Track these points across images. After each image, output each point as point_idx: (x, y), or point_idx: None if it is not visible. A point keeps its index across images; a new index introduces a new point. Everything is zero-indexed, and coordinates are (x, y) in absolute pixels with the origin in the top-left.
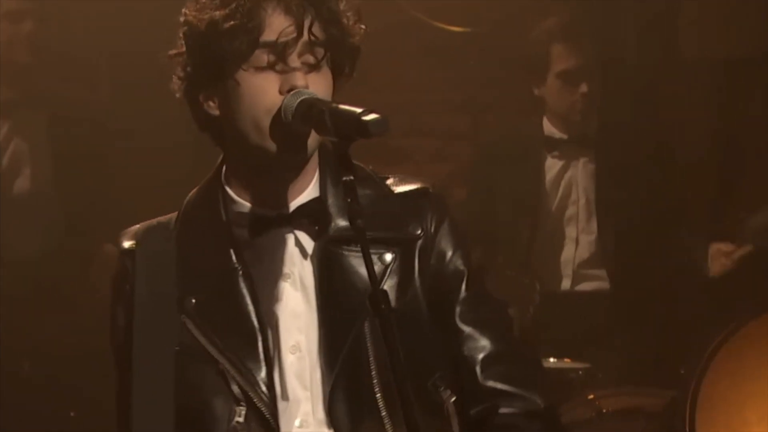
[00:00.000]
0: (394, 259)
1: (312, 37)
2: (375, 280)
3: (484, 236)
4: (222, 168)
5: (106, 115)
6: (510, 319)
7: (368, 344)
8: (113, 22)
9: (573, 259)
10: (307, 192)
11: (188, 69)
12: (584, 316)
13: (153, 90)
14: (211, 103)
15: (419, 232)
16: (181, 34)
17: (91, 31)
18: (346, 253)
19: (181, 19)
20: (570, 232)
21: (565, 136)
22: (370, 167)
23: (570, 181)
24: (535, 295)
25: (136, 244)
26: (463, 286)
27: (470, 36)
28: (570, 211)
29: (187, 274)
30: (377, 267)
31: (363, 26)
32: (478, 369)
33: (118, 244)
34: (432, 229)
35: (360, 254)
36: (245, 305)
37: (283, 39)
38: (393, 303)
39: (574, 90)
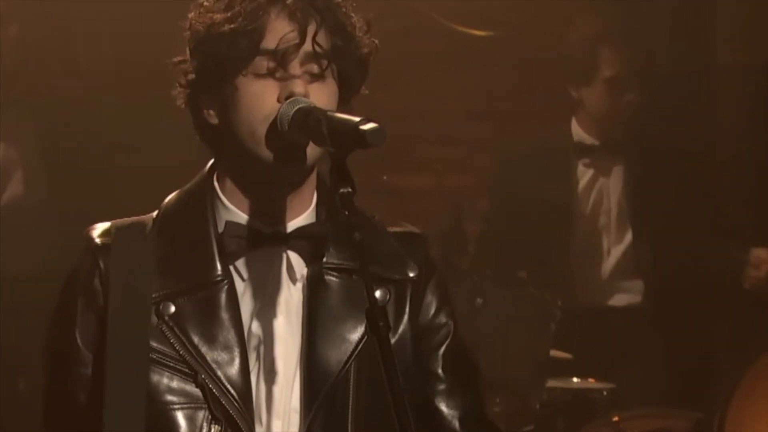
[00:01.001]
0: (386, 298)
1: (315, 46)
2: (373, 297)
3: (508, 249)
4: (213, 174)
5: (104, 123)
6: (482, 379)
7: (351, 386)
8: (113, 27)
9: (603, 272)
10: (306, 215)
11: (190, 76)
12: (612, 333)
13: (155, 99)
14: (211, 112)
15: (414, 275)
16: (187, 39)
17: (91, 36)
18: (341, 282)
19: (186, 24)
20: (601, 242)
21: (596, 143)
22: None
23: (601, 189)
24: (556, 311)
25: (112, 240)
26: (448, 340)
27: (493, 40)
28: (601, 221)
29: (167, 278)
30: None
31: (374, 40)
32: (457, 425)
33: (89, 238)
34: (425, 276)
35: (356, 286)
36: (227, 320)
37: (283, 45)
38: None
39: (619, 97)
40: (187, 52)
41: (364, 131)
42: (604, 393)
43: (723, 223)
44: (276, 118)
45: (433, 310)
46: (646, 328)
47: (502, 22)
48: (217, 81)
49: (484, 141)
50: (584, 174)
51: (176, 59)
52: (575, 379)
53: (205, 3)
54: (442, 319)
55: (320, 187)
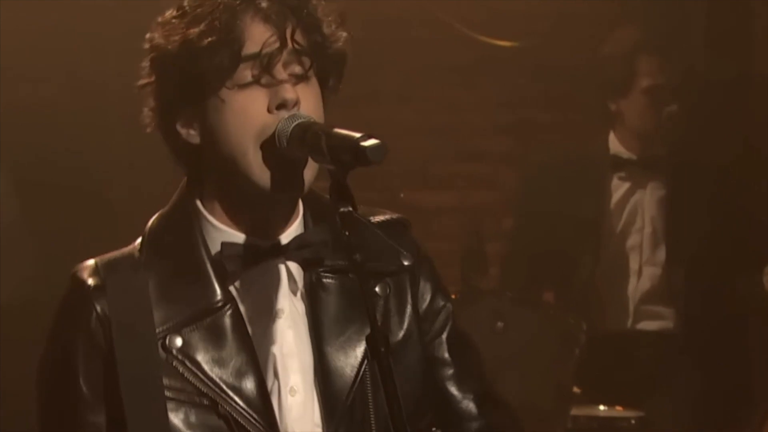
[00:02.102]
0: (387, 291)
1: (296, 45)
2: (374, 320)
3: (531, 269)
4: (190, 191)
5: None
6: (477, 347)
7: (369, 390)
8: (82, 41)
9: (634, 294)
10: (297, 223)
11: (161, 98)
12: (641, 359)
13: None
14: (191, 131)
15: (409, 263)
16: (148, 62)
17: (62, 50)
18: (339, 283)
19: (146, 45)
20: (632, 262)
21: (633, 157)
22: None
23: (635, 206)
24: (581, 335)
25: (103, 279)
26: (449, 323)
27: (518, 50)
28: (633, 239)
29: (167, 310)
30: (374, 303)
31: (346, 32)
32: (473, 407)
33: (80, 281)
34: (418, 262)
35: (354, 285)
36: (237, 344)
37: (267, 50)
38: (393, 337)
39: (660, 109)
40: (151, 73)
41: (365, 147)
42: (633, 422)
43: (761, 244)
44: (274, 134)
45: (429, 295)
46: (677, 354)
47: (527, 31)
48: (197, 97)
49: (509, 156)
50: (618, 188)
51: (141, 82)
52: (602, 407)
53: (172, 21)
54: (440, 302)
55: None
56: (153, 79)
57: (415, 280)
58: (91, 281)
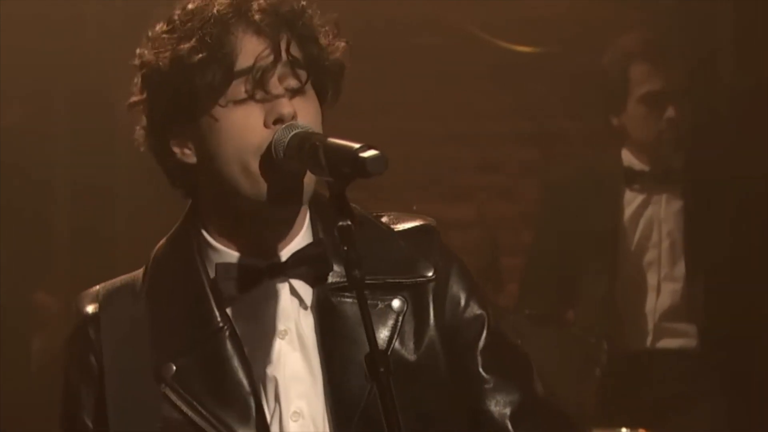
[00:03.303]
0: (405, 306)
1: (291, 58)
2: (373, 339)
3: (549, 286)
4: (194, 214)
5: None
6: (532, 365)
7: (381, 413)
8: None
9: (653, 311)
10: (301, 236)
11: (153, 116)
12: (664, 379)
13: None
14: (186, 150)
15: (431, 273)
16: (138, 80)
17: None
18: (350, 301)
19: (137, 62)
20: (650, 278)
21: (646, 168)
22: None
23: (651, 219)
24: (602, 355)
25: (100, 308)
26: (484, 333)
27: (540, 56)
28: (650, 254)
29: (164, 337)
30: (388, 318)
31: (343, 42)
32: (509, 425)
33: (78, 310)
34: (443, 270)
35: (366, 303)
36: (235, 370)
37: (260, 64)
38: (409, 355)
39: (659, 115)
40: (142, 91)
41: (364, 159)
42: None
43: None
44: (270, 145)
45: (462, 304)
46: (701, 373)
47: (548, 36)
48: (190, 116)
49: (530, 167)
50: (632, 201)
51: (132, 100)
52: (624, 430)
53: (162, 36)
54: (474, 310)
55: (312, 201)
56: (144, 96)
57: (441, 290)
58: (88, 309)
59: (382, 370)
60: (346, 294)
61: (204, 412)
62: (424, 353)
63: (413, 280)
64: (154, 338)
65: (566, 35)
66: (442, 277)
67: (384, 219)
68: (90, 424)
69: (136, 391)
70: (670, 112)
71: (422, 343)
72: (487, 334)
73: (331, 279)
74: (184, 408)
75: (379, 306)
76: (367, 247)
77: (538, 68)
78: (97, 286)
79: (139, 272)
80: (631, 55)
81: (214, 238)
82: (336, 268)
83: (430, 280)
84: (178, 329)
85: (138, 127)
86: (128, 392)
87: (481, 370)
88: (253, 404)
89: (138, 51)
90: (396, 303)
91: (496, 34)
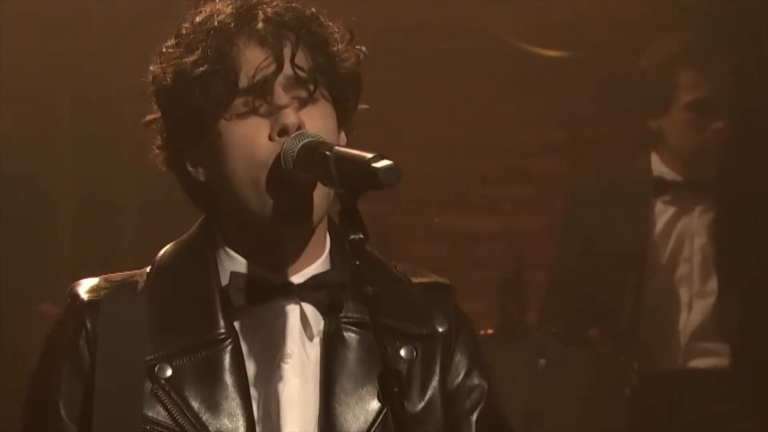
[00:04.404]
0: (413, 356)
1: (296, 68)
2: (386, 357)
3: (577, 302)
4: (209, 224)
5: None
6: None
7: None
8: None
9: (684, 329)
10: (320, 261)
11: (166, 134)
12: (695, 401)
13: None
14: (199, 169)
15: (443, 330)
16: (153, 94)
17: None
18: (361, 339)
19: (150, 77)
20: (682, 295)
21: (678, 178)
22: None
23: (683, 232)
24: (632, 375)
25: (100, 297)
26: (482, 403)
27: (568, 61)
28: (682, 269)
29: (163, 337)
30: (397, 364)
31: (358, 50)
32: None
33: (74, 295)
34: (454, 331)
35: (379, 319)
36: (231, 384)
37: (261, 74)
38: (412, 405)
39: (705, 126)
40: (156, 108)
41: (377, 169)
42: None
43: None
44: (279, 156)
45: (464, 371)
46: (733, 395)
47: (577, 40)
48: (197, 132)
49: (558, 177)
50: (663, 213)
51: (147, 119)
52: None
53: (167, 50)
54: (474, 380)
55: (333, 229)
56: (158, 114)
57: (448, 351)
58: (86, 296)
59: (396, 390)
60: (356, 329)
61: (193, 421)
62: (427, 405)
63: (425, 332)
64: (153, 337)
65: (596, 39)
66: (452, 337)
67: (399, 267)
68: (63, 414)
69: (125, 388)
70: (717, 123)
71: (425, 395)
72: (485, 405)
73: (344, 312)
74: (175, 413)
75: (389, 350)
76: (383, 288)
77: (567, 74)
78: (97, 278)
79: (143, 271)
80: (677, 59)
81: (231, 246)
82: (351, 302)
83: (441, 336)
84: (179, 332)
85: (153, 147)
86: (117, 387)
87: None
88: (243, 422)
89: (151, 68)
90: (404, 351)
91: (522, 38)
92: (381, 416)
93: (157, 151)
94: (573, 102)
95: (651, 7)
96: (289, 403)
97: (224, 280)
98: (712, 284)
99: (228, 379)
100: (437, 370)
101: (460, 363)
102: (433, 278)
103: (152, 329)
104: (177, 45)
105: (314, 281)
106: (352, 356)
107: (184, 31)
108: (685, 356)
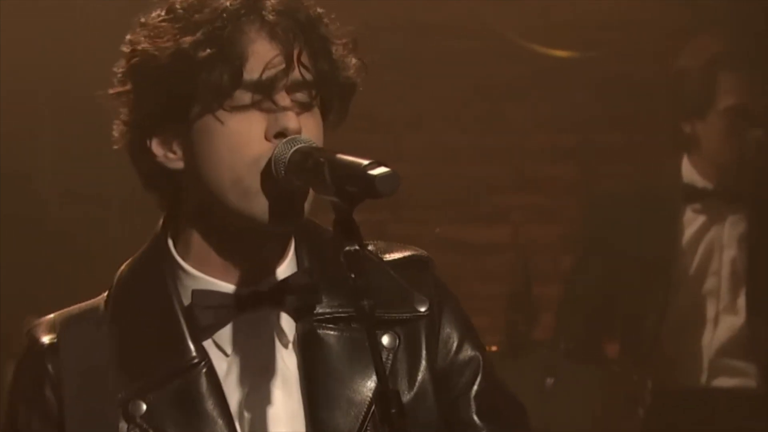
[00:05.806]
0: (396, 343)
1: (303, 70)
2: (383, 377)
3: (588, 317)
4: (166, 234)
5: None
6: (527, 414)
7: None
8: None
9: (709, 346)
10: (287, 263)
11: (137, 111)
12: (717, 421)
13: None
14: (170, 154)
15: (424, 309)
16: (123, 68)
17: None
18: (338, 334)
19: (126, 49)
20: (708, 309)
21: (710, 186)
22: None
23: (712, 244)
24: (645, 394)
25: (58, 338)
26: (479, 377)
27: (579, 62)
28: (709, 282)
29: (131, 370)
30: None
31: (357, 60)
32: None
33: (33, 339)
34: (437, 307)
35: (357, 336)
36: (210, 409)
37: (270, 72)
38: (401, 396)
39: (743, 133)
40: (127, 83)
41: (374, 177)
42: None
43: None
44: (270, 161)
45: (455, 345)
46: (760, 417)
47: (589, 40)
48: (183, 116)
49: (569, 184)
50: (692, 222)
51: (115, 90)
52: None
53: (161, 23)
54: (467, 352)
55: (298, 227)
56: (129, 87)
57: (434, 328)
58: (45, 339)
59: (393, 411)
60: (332, 326)
61: None
62: (416, 394)
63: (406, 315)
64: (121, 370)
65: (608, 39)
66: (435, 313)
67: (371, 246)
68: None
69: (101, 428)
70: (756, 130)
71: (414, 384)
72: (482, 378)
73: (318, 310)
74: None
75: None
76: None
77: (577, 75)
78: (52, 315)
79: (100, 298)
80: (718, 61)
81: (189, 261)
82: (326, 297)
83: (423, 316)
84: (148, 363)
85: (117, 122)
86: (92, 428)
87: (474, 416)
88: None
89: (128, 38)
90: (386, 339)
91: (529, 38)
92: (372, 411)
93: (121, 127)
94: (583, 105)
95: (664, 5)
96: (275, 420)
97: (186, 299)
98: (741, 299)
99: (207, 405)
100: (423, 354)
101: (450, 337)
102: (407, 252)
103: (119, 363)
104: (173, 20)
105: (285, 285)
106: (331, 355)
107: (179, 6)
108: (710, 374)
